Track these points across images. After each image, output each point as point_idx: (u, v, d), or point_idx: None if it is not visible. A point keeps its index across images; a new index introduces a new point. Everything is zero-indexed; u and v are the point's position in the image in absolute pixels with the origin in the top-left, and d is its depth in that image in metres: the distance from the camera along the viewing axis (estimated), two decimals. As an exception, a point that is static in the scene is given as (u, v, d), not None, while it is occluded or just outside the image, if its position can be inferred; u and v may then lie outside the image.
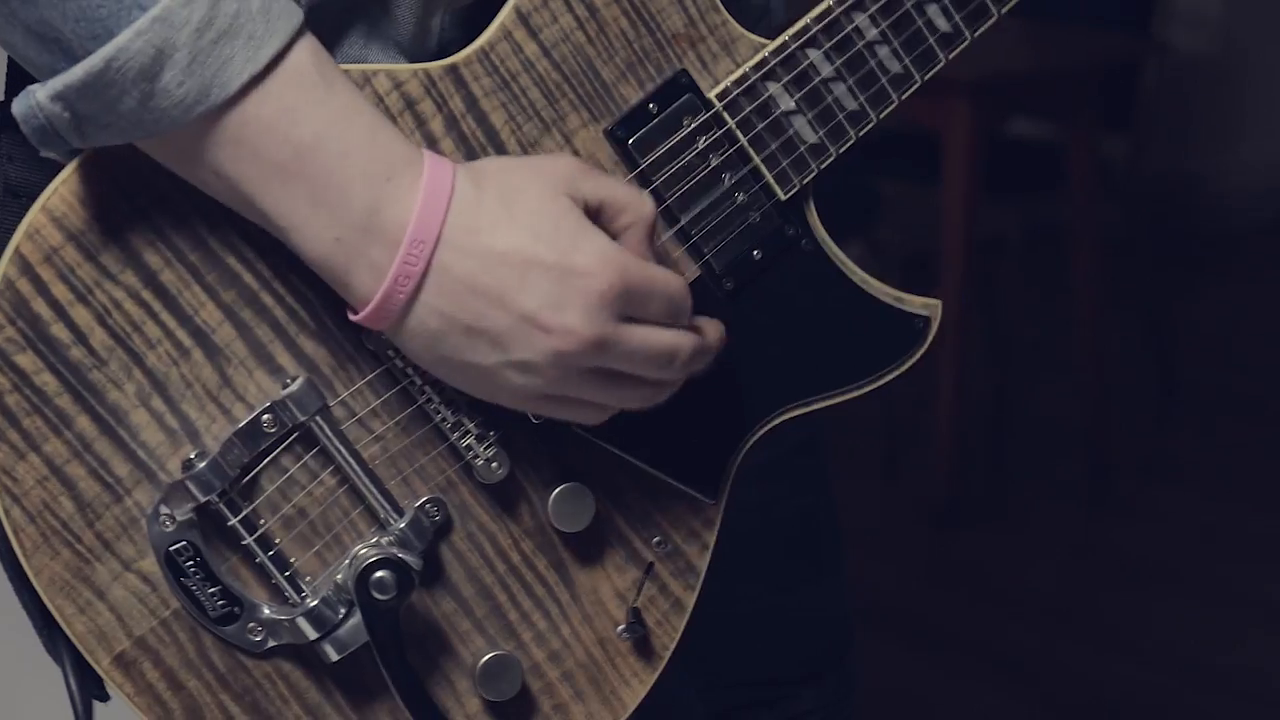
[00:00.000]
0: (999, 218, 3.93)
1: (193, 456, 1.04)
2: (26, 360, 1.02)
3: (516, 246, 0.98)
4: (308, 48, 0.98)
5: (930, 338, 1.18)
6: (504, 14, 1.08)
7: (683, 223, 1.12)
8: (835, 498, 1.37)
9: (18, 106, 0.96)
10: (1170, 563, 3.64)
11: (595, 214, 1.02)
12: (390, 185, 0.98)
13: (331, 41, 1.04)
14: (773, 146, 1.13)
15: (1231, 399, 4.34)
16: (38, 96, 0.95)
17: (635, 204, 1.03)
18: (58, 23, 0.94)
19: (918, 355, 1.18)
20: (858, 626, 1.43)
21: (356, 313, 1.00)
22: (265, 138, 0.96)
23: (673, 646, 1.15)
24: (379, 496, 1.07)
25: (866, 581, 3.42)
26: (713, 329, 1.06)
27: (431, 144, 1.06)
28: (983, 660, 3.33)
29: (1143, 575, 3.61)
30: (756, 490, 1.19)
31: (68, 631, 1.05)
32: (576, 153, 1.10)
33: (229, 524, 1.05)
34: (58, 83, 0.95)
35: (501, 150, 1.08)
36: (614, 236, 1.02)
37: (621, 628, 1.13)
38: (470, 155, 1.07)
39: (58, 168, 1.01)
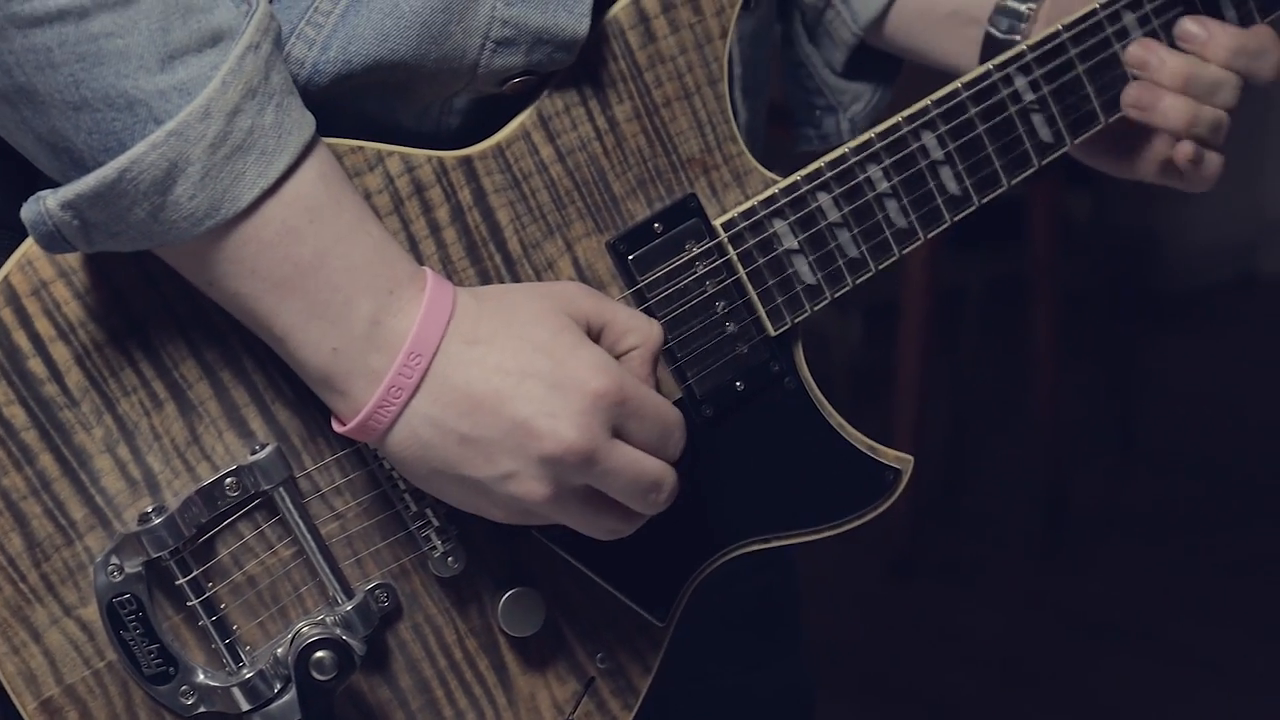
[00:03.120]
0: (961, 269, 3.96)
1: (150, 510, 1.03)
2: (-1, 390, 1.01)
3: (514, 356, 0.98)
4: (318, 162, 0.98)
5: (898, 492, 1.18)
6: (526, 114, 1.08)
7: (671, 344, 1.12)
8: (796, 566, 1.37)
9: (27, 212, 0.96)
10: (1121, 618, 3.63)
11: (597, 335, 1.03)
12: (393, 298, 0.98)
13: (348, 113, 1.04)
14: (770, 282, 1.13)
15: (1188, 455, 4.32)
16: (47, 203, 0.95)
17: (641, 329, 1.04)
18: (69, 133, 0.94)
19: (882, 508, 1.18)
20: (812, 673, 1.42)
21: (344, 424, 1.00)
22: (265, 256, 0.96)
23: (602, 765, 1.14)
24: (331, 575, 1.06)
25: (821, 631, 3.42)
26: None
27: (435, 231, 1.07)
28: (934, 712, 3.33)
29: (1094, 630, 3.60)
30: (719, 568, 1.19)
31: None
32: (577, 260, 1.10)
33: (177, 583, 1.03)
34: (69, 191, 0.94)
35: (503, 247, 1.08)
36: (617, 358, 1.03)
37: (553, 739, 1.12)
38: (471, 248, 1.07)
39: None
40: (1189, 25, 1.19)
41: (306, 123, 0.98)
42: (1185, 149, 1.19)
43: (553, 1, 1.05)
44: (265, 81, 0.96)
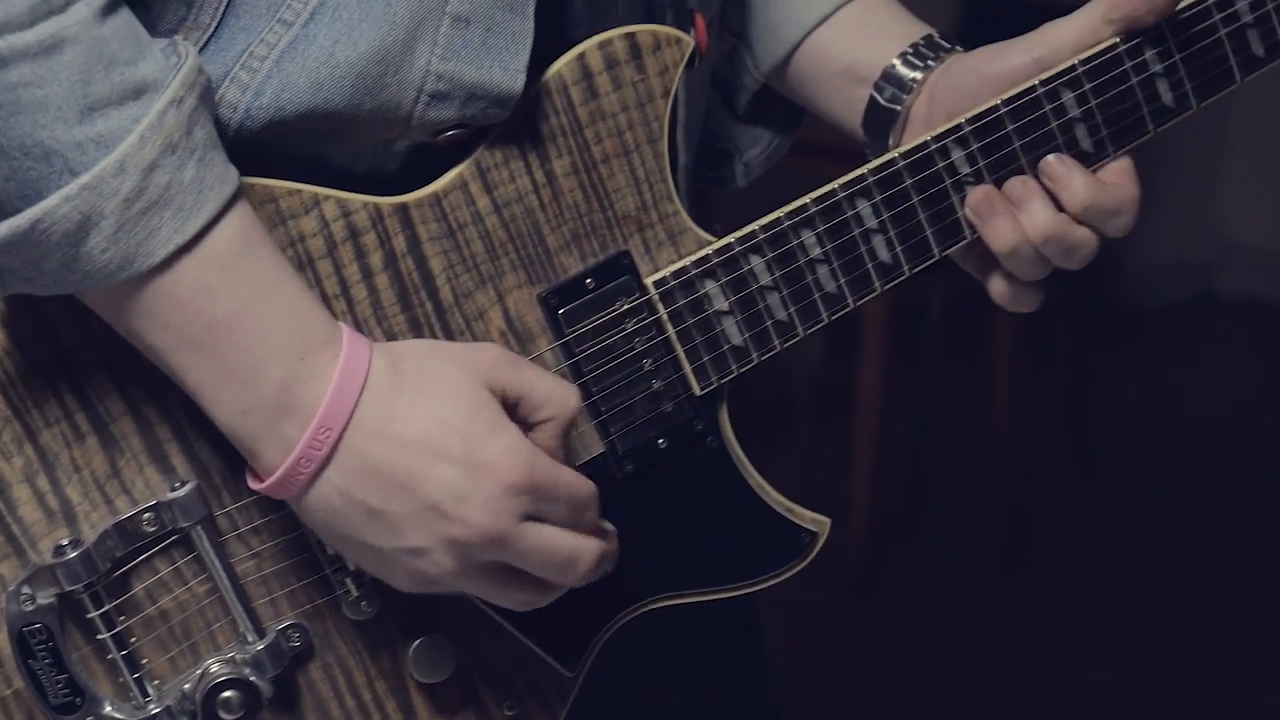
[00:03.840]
0: (921, 288, 3.98)
1: (65, 543, 1.03)
2: (-80, 416, 1.01)
3: (426, 435, 0.99)
4: (237, 218, 0.98)
5: (814, 554, 1.19)
6: (464, 165, 1.09)
7: (595, 398, 1.12)
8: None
9: None
10: (1081, 635, 3.67)
11: (514, 404, 1.03)
12: (304, 364, 0.98)
13: (282, 154, 1.05)
14: (697, 341, 1.14)
15: (1147, 473, 4.38)
16: None
17: (557, 400, 1.04)
18: None
19: (797, 569, 1.19)
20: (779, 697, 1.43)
21: (261, 481, 1.00)
22: (177, 312, 0.97)
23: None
24: (243, 613, 1.06)
25: (783, 648, 3.44)
26: (614, 536, 1.07)
27: (367, 277, 1.07)
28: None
29: (1054, 647, 3.64)
30: None
31: None
32: (508, 311, 1.10)
33: (89, 616, 1.04)
34: None
35: (435, 295, 1.09)
36: (531, 429, 1.03)
37: (457, 784, 1.13)
38: (403, 294, 1.08)
39: None
40: (1052, 162, 1.18)
41: (229, 178, 0.98)
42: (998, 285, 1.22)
43: (488, 58, 1.05)
44: (187, 137, 0.96)
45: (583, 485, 1.03)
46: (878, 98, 1.26)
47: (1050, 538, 4.02)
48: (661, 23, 1.15)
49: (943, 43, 1.26)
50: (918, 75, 1.25)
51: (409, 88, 1.04)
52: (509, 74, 1.06)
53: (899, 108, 1.25)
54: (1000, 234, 1.17)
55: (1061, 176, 1.18)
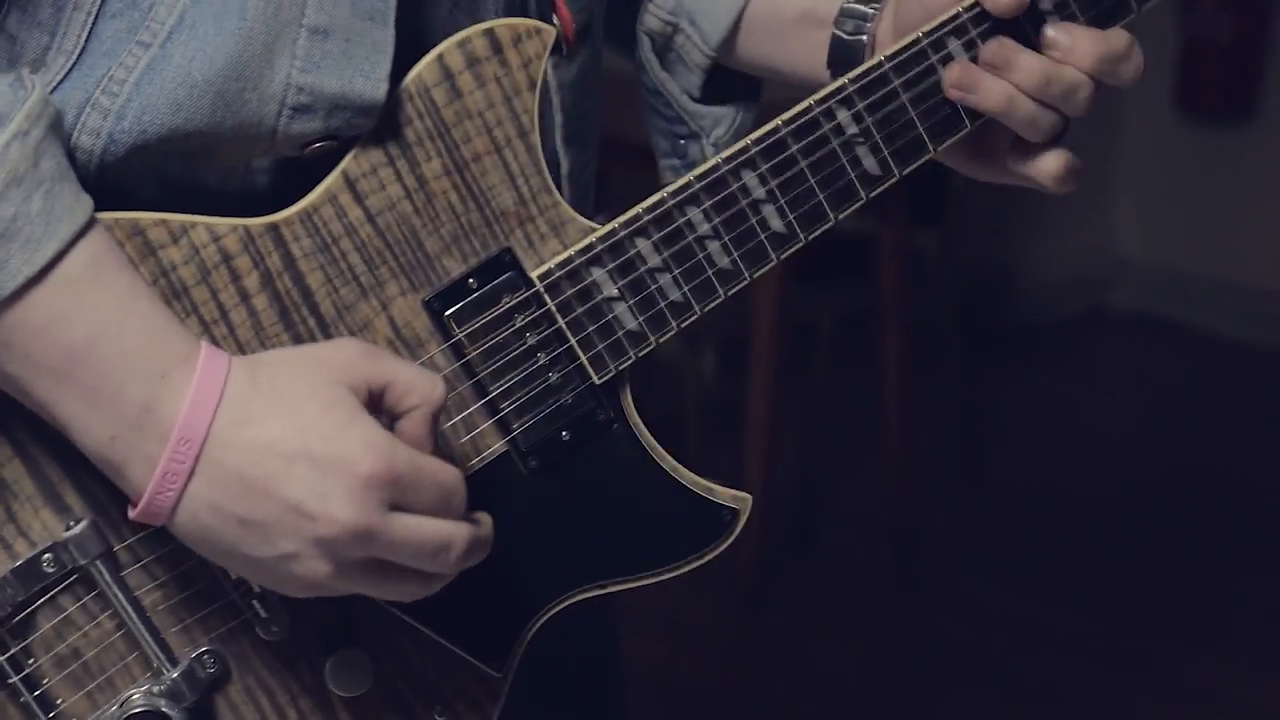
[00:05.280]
0: (811, 305, 3.99)
1: (-35, 591, 1.04)
2: None
3: (283, 436, 0.99)
4: (90, 245, 0.99)
5: (737, 532, 1.18)
6: (332, 177, 1.09)
7: (492, 396, 1.12)
8: (618, 631, 1.37)
9: None
10: (970, 651, 3.68)
11: (379, 397, 1.03)
12: (165, 383, 0.99)
13: (152, 177, 1.05)
14: (590, 330, 1.13)
15: (1036, 489, 4.40)
16: None
17: (422, 387, 1.03)
18: None
19: (722, 548, 1.18)
20: (666, 708, 1.42)
21: (135, 506, 1.01)
22: (35, 342, 0.97)
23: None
24: (153, 644, 1.07)
25: (673, 666, 3.48)
26: (487, 523, 1.06)
27: (244, 299, 1.07)
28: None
29: (944, 663, 3.65)
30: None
31: None
32: (393, 319, 1.10)
33: (-3, 661, 1.05)
34: None
35: (316, 310, 1.09)
36: (398, 418, 1.03)
37: (394, 794, 1.13)
38: (284, 313, 1.08)
39: None
40: (1052, 32, 1.17)
41: (80, 208, 0.99)
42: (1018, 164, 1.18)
43: (349, 68, 1.05)
44: (34, 169, 0.97)
45: (448, 472, 1.03)
46: (840, 33, 1.25)
47: (940, 554, 4.02)
48: (524, 15, 1.14)
49: None
50: (876, 4, 1.24)
51: (270, 101, 1.04)
52: (371, 83, 1.06)
53: (864, 37, 1.24)
54: (993, 92, 1.15)
55: (1062, 40, 1.16)
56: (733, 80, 1.34)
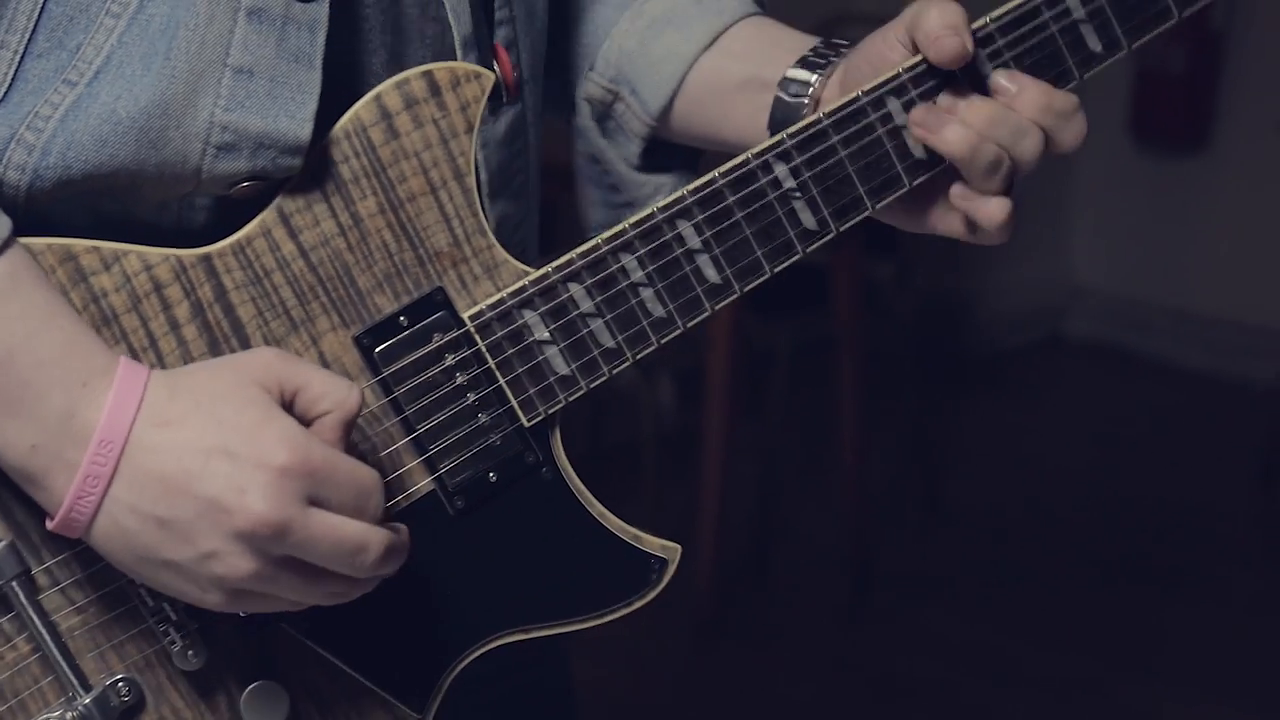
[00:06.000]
0: (768, 333, 4.02)
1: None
2: None
3: (201, 435, 1.00)
4: (6, 262, 1.01)
5: (666, 581, 1.18)
6: (266, 211, 1.10)
7: (419, 434, 1.13)
8: (568, 660, 1.36)
9: None
10: (926, 680, 3.69)
11: (291, 400, 1.04)
12: (86, 390, 1.01)
13: (85, 212, 1.07)
14: (521, 372, 1.14)
15: (992, 518, 4.42)
16: None
17: (335, 394, 1.04)
18: None
19: (650, 597, 1.18)
20: None
21: (53, 519, 1.02)
22: None
23: None
24: (67, 669, 1.07)
25: (627, 696, 3.48)
26: (404, 531, 1.07)
27: (174, 328, 1.08)
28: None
29: (900, 692, 3.66)
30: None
31: None
32: (323, 354, 1.11)
33: (-91, 679, 1.05)
34: None
35: (246, 343, 1.10)
36: (310, 423, 1.04)
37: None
38: (213, 344, 1.09)
39: None
40: (1000, 78, 1.18)
41: None
42: (958, 215, 1.19)
43: (273, 107, 1.07)
44: None
45: (364, 472, 1.04)
46: (782, 95, 1.26)
47: (896, 582, 4.05)
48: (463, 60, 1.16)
49: (839, 41, 1.26)
50: (821, 73, 1.25)
51: (194, 140, 1.06)
52: (295, 122, 1.07)
53: (805, 99, 1.25)
54: (953, 137, 1.16)
55: (1008, 87, 1.17)
56: (671, 149, 1.35)
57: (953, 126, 1.16)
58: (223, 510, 1.00)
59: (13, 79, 1.05)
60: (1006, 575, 4.12)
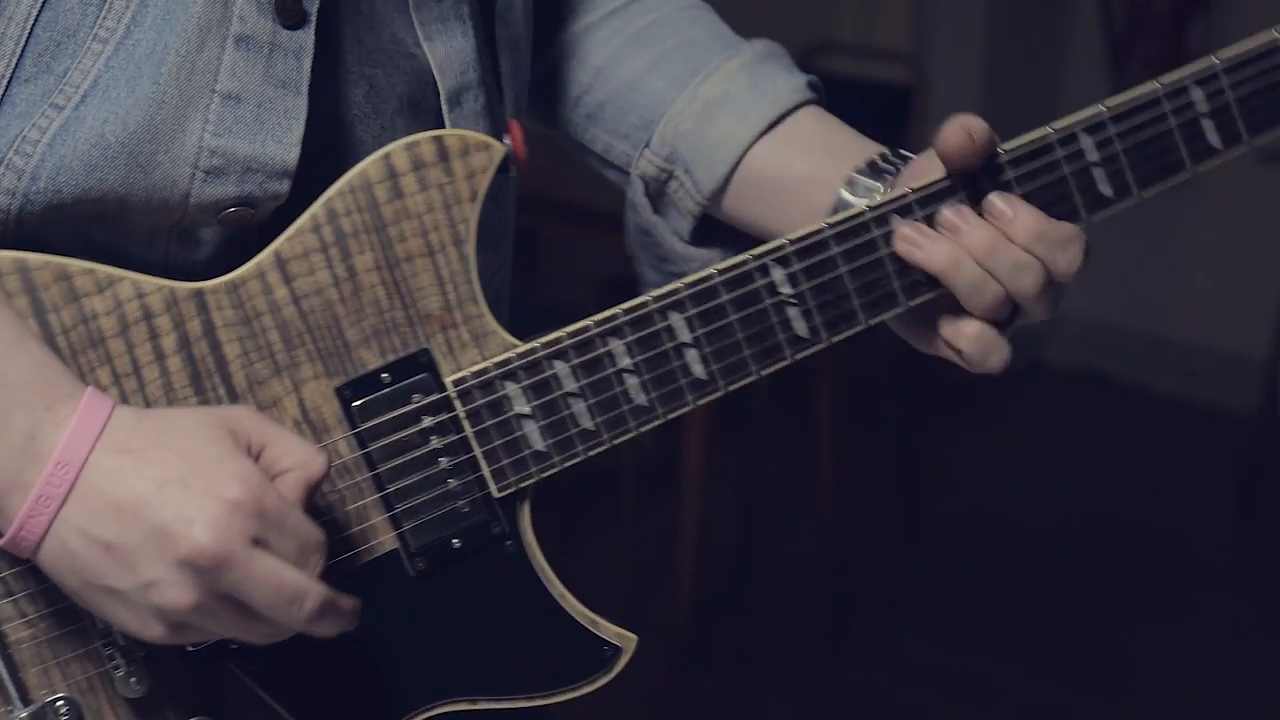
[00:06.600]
0: None
1: None
2: None
3: (159, 464, 1.01)
4: None
5: (618, 669, 1.18)
6: (264, 254, 1.12)
7: (389, 491, 1.13)
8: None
9: None
10: (905, 706, 3.67)
11: (257, 455, 1.05)
12: (50, 414, 1.02)
13: (75, 239, 1.09)
14: (497, 443, 1.15)
15: (971, 544, 4.40)
16: None
17: (301, 454, 1.05)
18: None
19: (600, 684, 1.17)
20: None
21: (3, 536, 1.03)
22: None
23: None
24: (9, 680, 1.08)
25: (607, 719, 3.40)
26: (348, 601, 1.07)
27: (159, 358, 1.10)
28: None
29: (877, 717, 3.63)
30: None
31: None
32: (302, 401, 1.12)
33: None
34: None
35: (228, 380, 1.11)
36: (273, 479, 1.05)
37: None
38: (195, 378, 1.10)
39: None
40: (996, 201, 1.18)
41: None
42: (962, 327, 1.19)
43: (261, 132, 1.09)
44: None
45: (313, 529, 1.04)
46: (847, 196, 1.26)
47: (876, 608, 4.05)
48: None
49: (905, 152, 1.27)
50: (888, 180, 1.25)
51: (183, 164, 1.08)
52: (283, 147, 1.10)
53: (875, 196, 1.24)
54: (938, 253, 1.17)
55: (1004, 211, 1.18)
56: (721, 225, 1.36)
57: (939, 243, 1.16)
58: (168, 538, 1.00)
59: (0, 103, 1.08)
60: (986, 600, 4.13)
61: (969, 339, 1.19)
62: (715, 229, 1.35)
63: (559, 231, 4.11)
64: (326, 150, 1.13)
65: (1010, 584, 4.22)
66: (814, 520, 4.07)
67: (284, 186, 1.10)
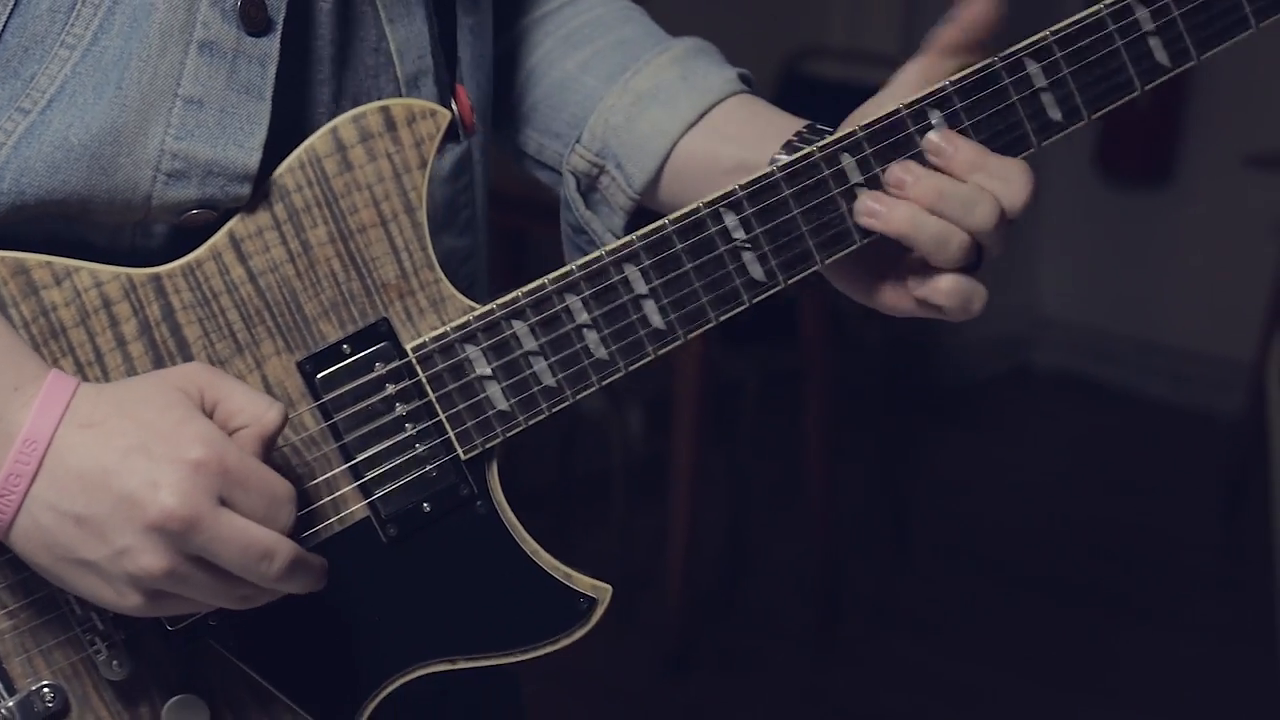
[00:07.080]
0: (737, 364, 4.03)
1: None
2: None
3: (122, 434, 1.03)
4: None
5: (594, 620, 1.19)
6: (219, 235, 1.12)
7: (357, 461, 1.15)
8: (517, 680, 1.38)
9: None
10: (896, 711, 3.70)
11: (210, 411, 1.06)
12: (17, 394, 1.03)
13: (39, 234, 1.09)
14: (461, 406, 1.16)
15: (961, 548, 4.43)
16: None
17: (254, 410, 1.07)
18: None
19: (578, 635, 1.19)
20: None
21: None
22: None
23: None
24: (-7, 672, 1.09)
25: None
26: (317, 559, 1.08)
27: (121, 345, 1.11)
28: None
29: None
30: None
31: None
32: (266, 378, 1.13)
33: None
34: None
35: (190, 362, 1.12)
36: (229, 435, 1.06)
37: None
38: (158, 362, 1.11)
39: None
40: (933, 138, 1.19)
41: None
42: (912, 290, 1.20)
43: (223, 137, 1.09)
44: None
45: (279, 482, 1.06)
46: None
47: (865, 612, 4.07)
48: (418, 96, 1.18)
49: (824, 128, 1.27)
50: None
51: (145, 167, 1.08)
52: (244, 151, 1.10)
53: None
54: (896, 217, 1.17)
55: (943, 147, 1.18)
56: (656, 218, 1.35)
57: (896, 207, 1.17)
58: (135, 504, 1.02)
59: None
60: (975, 604, 4.15)
61: (945, 293, 1.19)
62: (648, 223, 1.35)
63: (546, 235, 4.12)
64: (291, 150, 1.13)
65: (998, 587, 4.23)
66: (803, 523, 4.07)
67: (245, 190, 1.11)
